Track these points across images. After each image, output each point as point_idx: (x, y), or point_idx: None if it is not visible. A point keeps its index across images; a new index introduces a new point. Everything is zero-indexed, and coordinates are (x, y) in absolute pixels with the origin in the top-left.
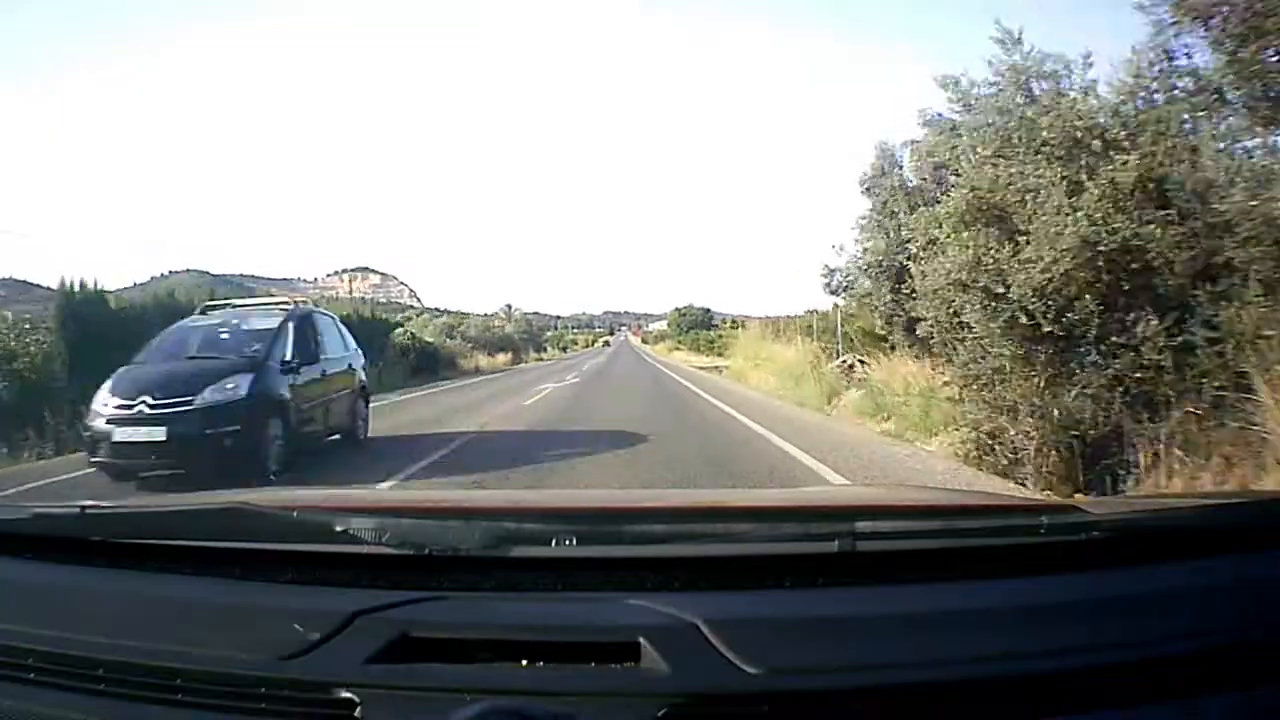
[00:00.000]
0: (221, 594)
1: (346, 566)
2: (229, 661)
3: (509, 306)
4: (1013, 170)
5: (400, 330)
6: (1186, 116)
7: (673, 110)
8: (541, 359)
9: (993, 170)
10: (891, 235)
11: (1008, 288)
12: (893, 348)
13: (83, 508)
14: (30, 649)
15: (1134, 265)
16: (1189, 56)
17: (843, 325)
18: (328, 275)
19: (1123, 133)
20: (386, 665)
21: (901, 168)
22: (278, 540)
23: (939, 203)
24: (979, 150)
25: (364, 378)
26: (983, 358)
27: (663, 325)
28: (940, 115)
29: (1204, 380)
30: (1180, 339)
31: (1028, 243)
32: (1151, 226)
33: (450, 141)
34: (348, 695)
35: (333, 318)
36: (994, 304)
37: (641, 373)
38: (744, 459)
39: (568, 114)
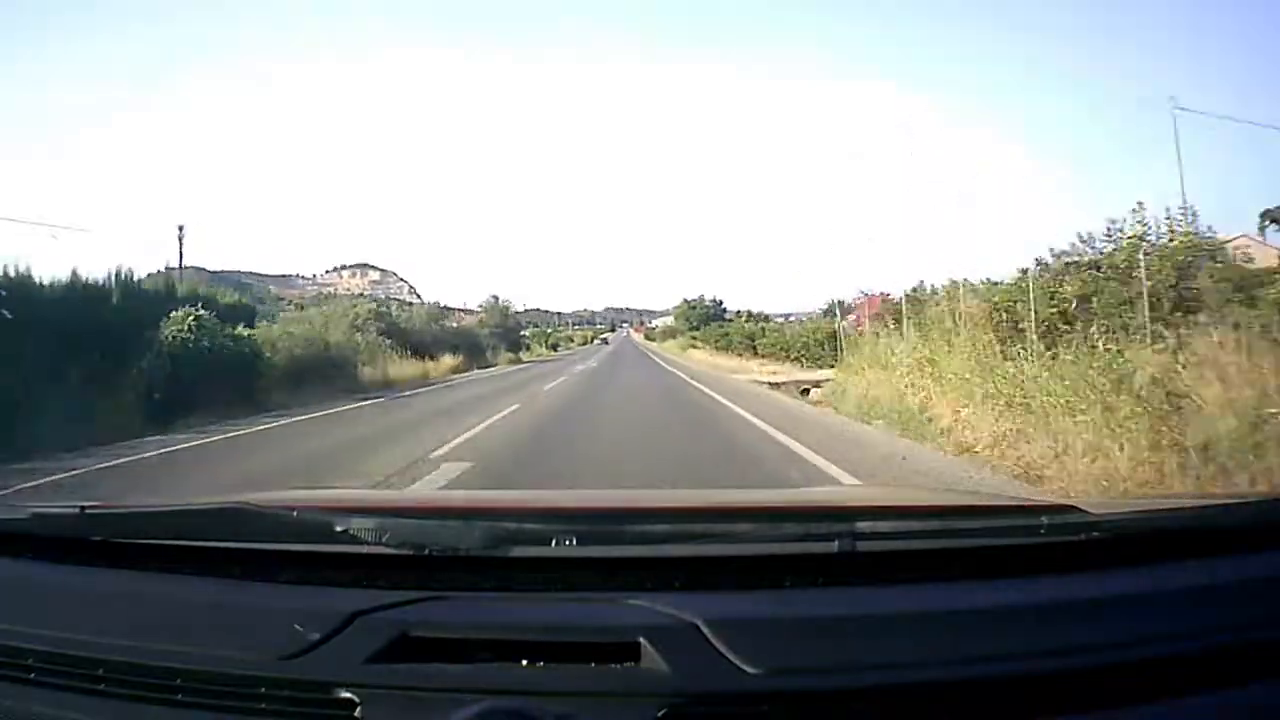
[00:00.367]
0: (221, 594)
1: (346, 566)
2: (229, 661)
3: (495, 298)
4: None
5: (181, 317)
6: None
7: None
8: (519, 361)
9: None
10: None
11: None
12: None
13: (82, 508)
14: (30, 649)
15: None
16: None
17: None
18: (327, 272)
19: None
20: (386, 665)
21: None
22: (278, 540)
23: None
24: None
25: None
26: None
27: (666, 321)
28: None
29: None
30: None
31: None
32: None
33: (451, 137)
34: (348, 695)
35: None
36: None
37: (660, 400)
38: None
39: (568, 108)
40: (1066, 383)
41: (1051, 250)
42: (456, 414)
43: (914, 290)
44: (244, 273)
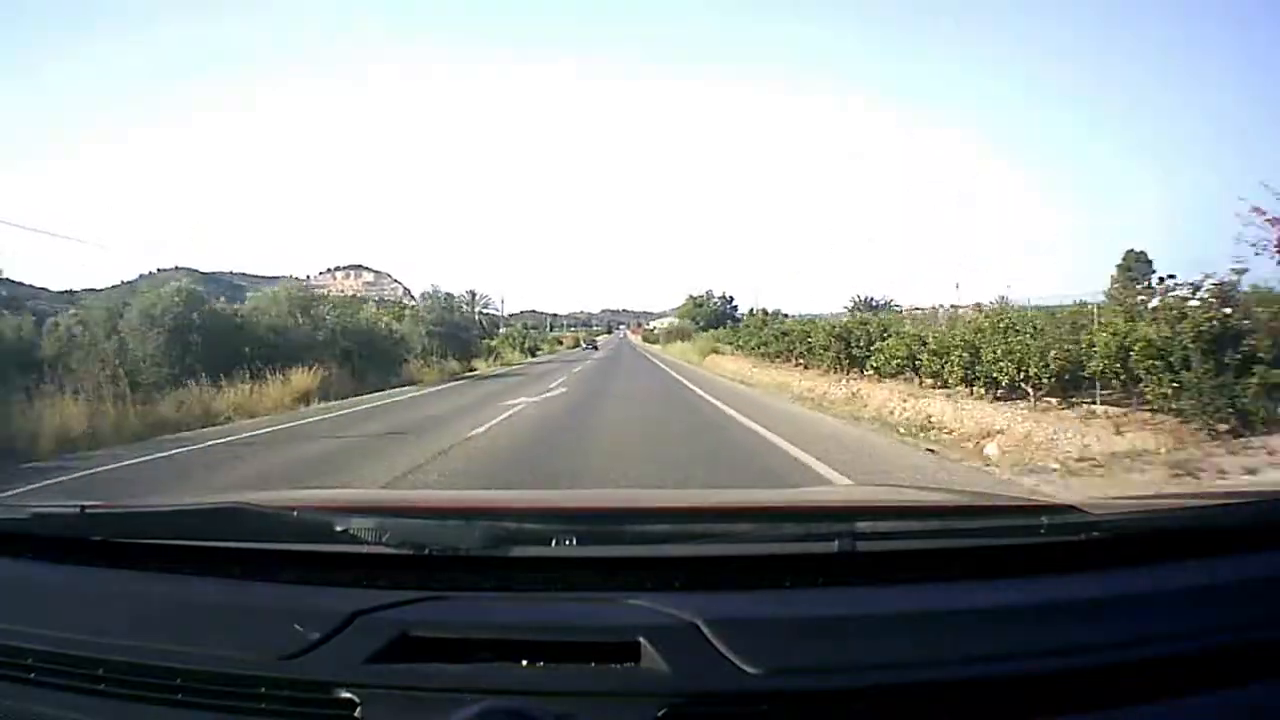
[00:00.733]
0: (221, 594)
1: (346, 566)
2: (229, 661)
3: (434, 288)
4: None
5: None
6: None
7: (673, 105)
8: (463, 375)
9: None
10: None
11: None
12: None
13: (82, 508)
14: (30, 649)
15: None
16: None
17: None
18: (320, 273)
19: None
20: (386, 665)
21: None
22: (278, 540)
23: None
24: None
25: None
26: None
27: (665, 322)
28: None
29: None
30: None
31: None
32: None
33: (450, 139)
34: (348, 695)
35: None
36: None
37: None
38: None
39: (565, 109)
40: None
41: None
42: None
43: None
44: (236, 274)
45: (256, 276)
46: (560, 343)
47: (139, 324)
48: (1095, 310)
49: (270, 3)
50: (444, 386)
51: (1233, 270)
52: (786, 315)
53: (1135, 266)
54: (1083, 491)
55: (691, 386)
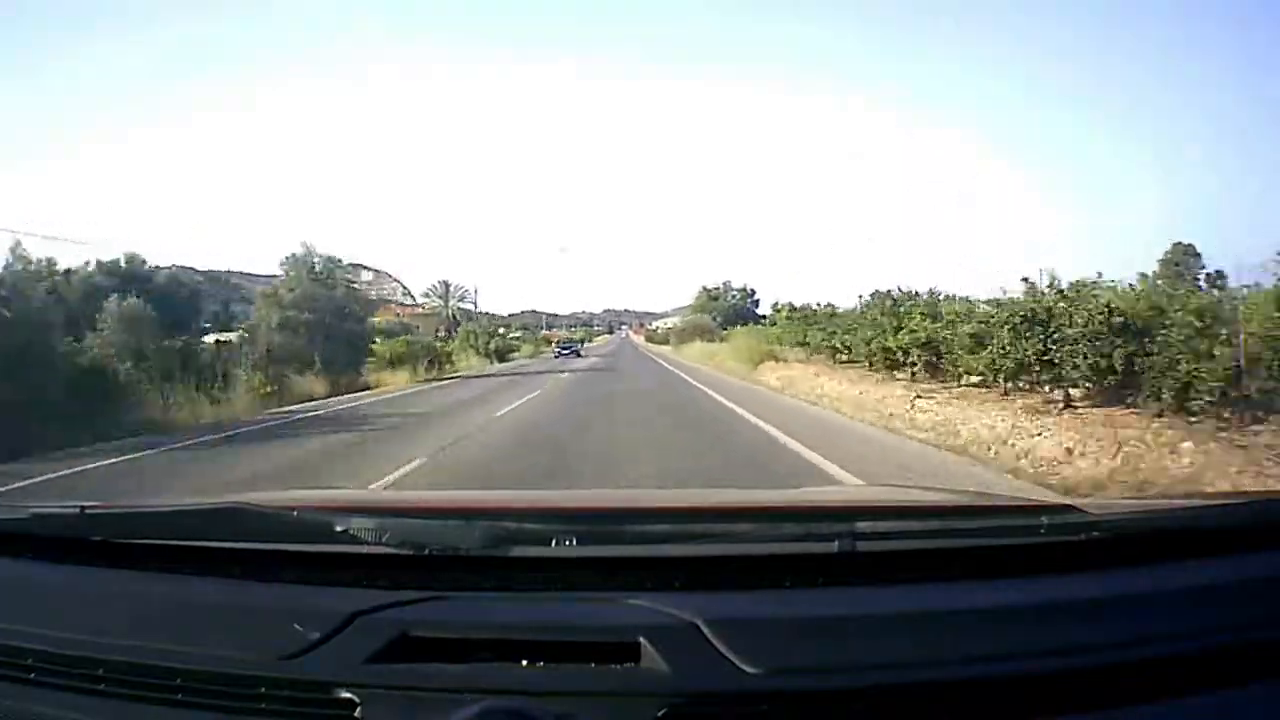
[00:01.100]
0: (221, 594)
1: (346, 566)
2: (229, 661)
3: (306, 247)
4: None
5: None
6: None
7: (671, 107)
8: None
9: None
10: None
11: None
12: None
13: (82, 508)
14: (30, 649)
15: None
16: None
17: None
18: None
19: None
20: (386, 665)
21: None
22: (278, 540)
23: None
24: None
25: None
26: None
27: (671, 321)
28: None
29: None
30: None
31: None
32: None
33: (445, 139)
34: (348, 695)
35: None
36: None
37: None
38: None
39: (564, 111)
40: None
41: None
42: None
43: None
44: (234, 273)
45: (255, 275)
46: (549, 342)
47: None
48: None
49: (270, 2)
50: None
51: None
52: (816, 309)
53: (1182, 260)
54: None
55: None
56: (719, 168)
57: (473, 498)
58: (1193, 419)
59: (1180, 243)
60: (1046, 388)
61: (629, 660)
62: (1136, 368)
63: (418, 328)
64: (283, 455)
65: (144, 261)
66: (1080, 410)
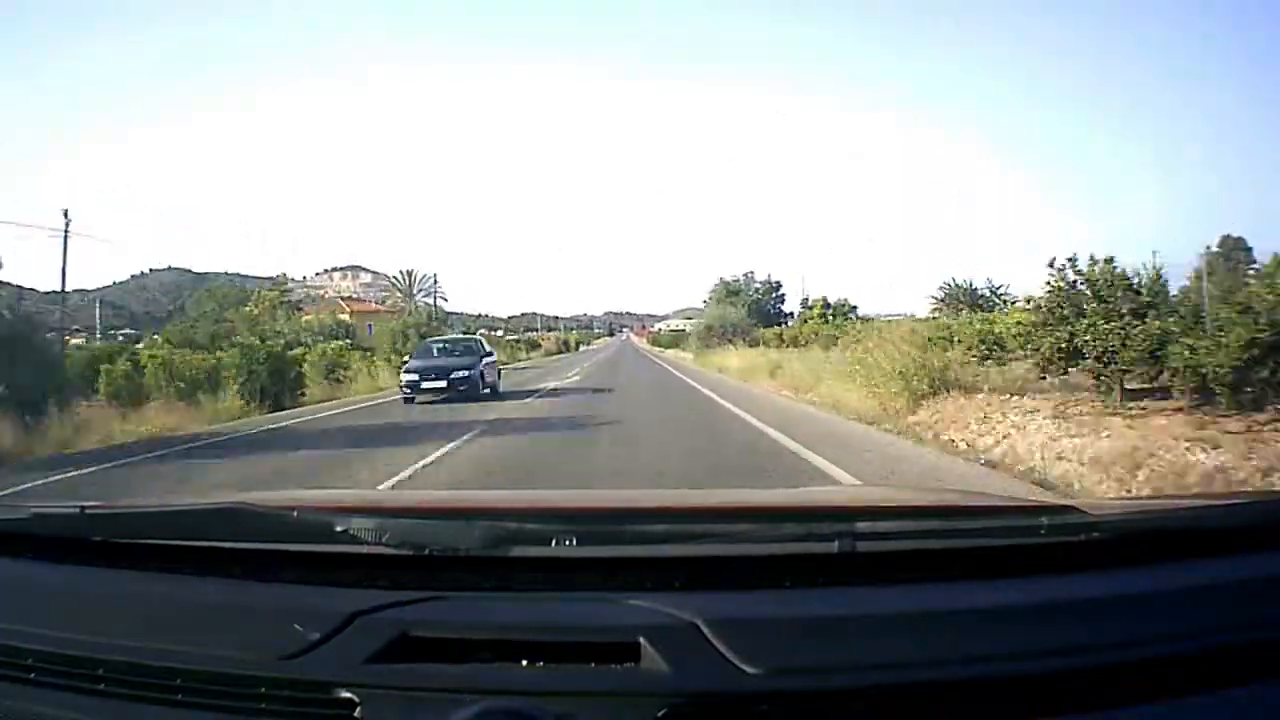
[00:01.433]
0: (221, 594)
1: (346, 566)
2: (229, 661)
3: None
4: None
5: None
6: None
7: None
8: None
9: None
10: None
11: None
12: None
13: (82, 508)
14: (30, 649)
15: None
16: None
17: None
18: (317, 273)
19: None
20: (386, 665)
21: None
22: (278, 540)
23: None
24: None
25: None
26: None
27: (671, 324)
28: None
29: None
30: None
31: None
32: None
33: (445, 140)
34: (348, 695)
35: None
36: None
37: None
38: None
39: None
40: None
41: None
42: None
43: None
44: (231, 274)
45: (251, 277)
46: (535, 347)
47: None
48: None
49: (269, 2)
50: None
51: None
52: (853, 310)
53: (1233, 254)
54: None
55: None
56: (719, 169)
57: (473, 498)
58: None
59: (1230, 236)
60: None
61: (629, 660)
62: None
63: (370, 326)
64: None
65: None
66: None
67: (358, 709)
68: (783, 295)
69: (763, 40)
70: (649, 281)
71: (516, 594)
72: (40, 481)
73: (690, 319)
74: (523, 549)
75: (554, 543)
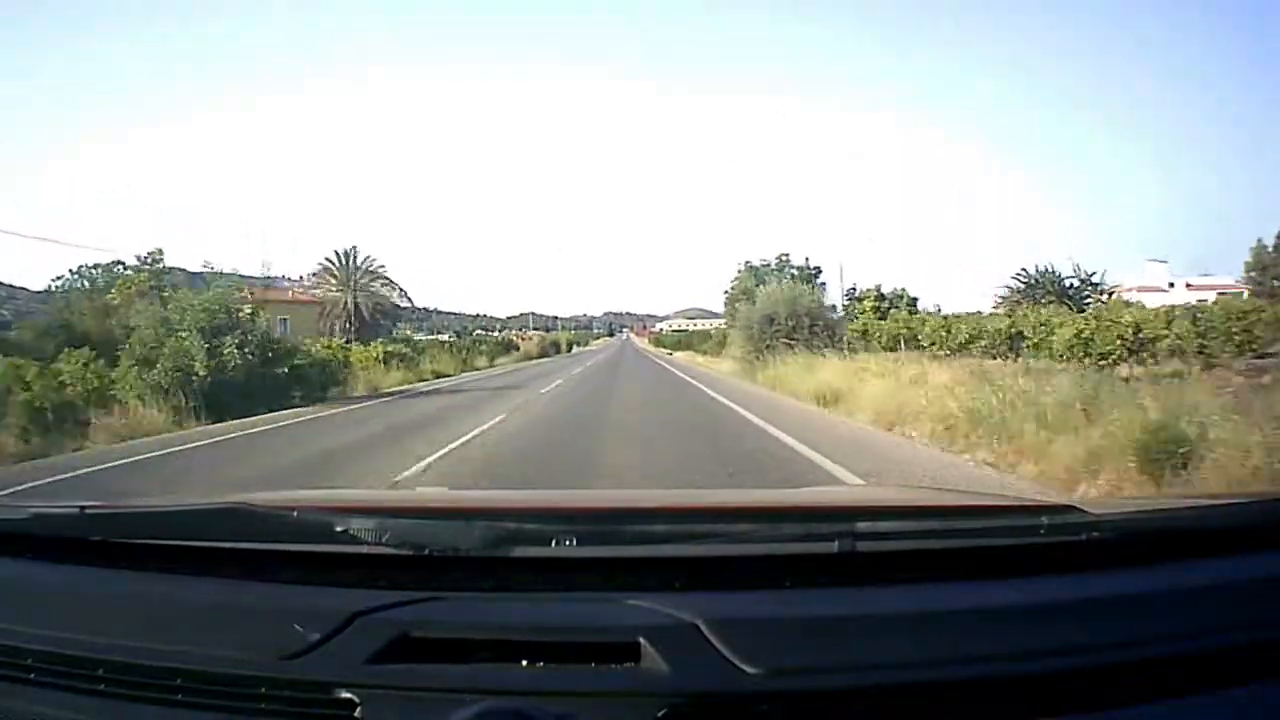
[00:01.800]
0: (221, 594)
1: (347, 567)
2: (229, 661)
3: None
4: None
5: None
6: None
7: (670, 110)
8: None
9: None
10: None
11: None
12: None
13: (82, 508)
14: (30, 649)
15: None
16: None
17: None
18: (313, 274)
19: None
20: (387, 665)
21: None
22: (278, 540)
23: None
24: None
25: None
26: None
27: (671, 324)
28: None
29: None
30: None
31: None
32: None
33: (444, 136)
34: (348, 695)
35: None
36: None
37: None
38: None
39: (564, 112)
40: None
41: None
42: None
43: None
44: (226, 274)
45: (246, 277)
46: (516, 348)
47: None
48: None
49: (269, 2)
50: None
51: None
52: (914, 302)
53: (1271, 263)
54: None
55: None
56: (719, 169)
57: (473, 498)
58: None
59: (1260, 241)
60: None
61: (629, 660)
62: None
63: (284, 321)
64: None
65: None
66: None
67: (358, 709)
68: (823, 284)
69: (762, 40)
70: (649, 282)
71: (516, 594)
72: None
73: (692, 320)
74: (523, 549)
75: (554, 543)
